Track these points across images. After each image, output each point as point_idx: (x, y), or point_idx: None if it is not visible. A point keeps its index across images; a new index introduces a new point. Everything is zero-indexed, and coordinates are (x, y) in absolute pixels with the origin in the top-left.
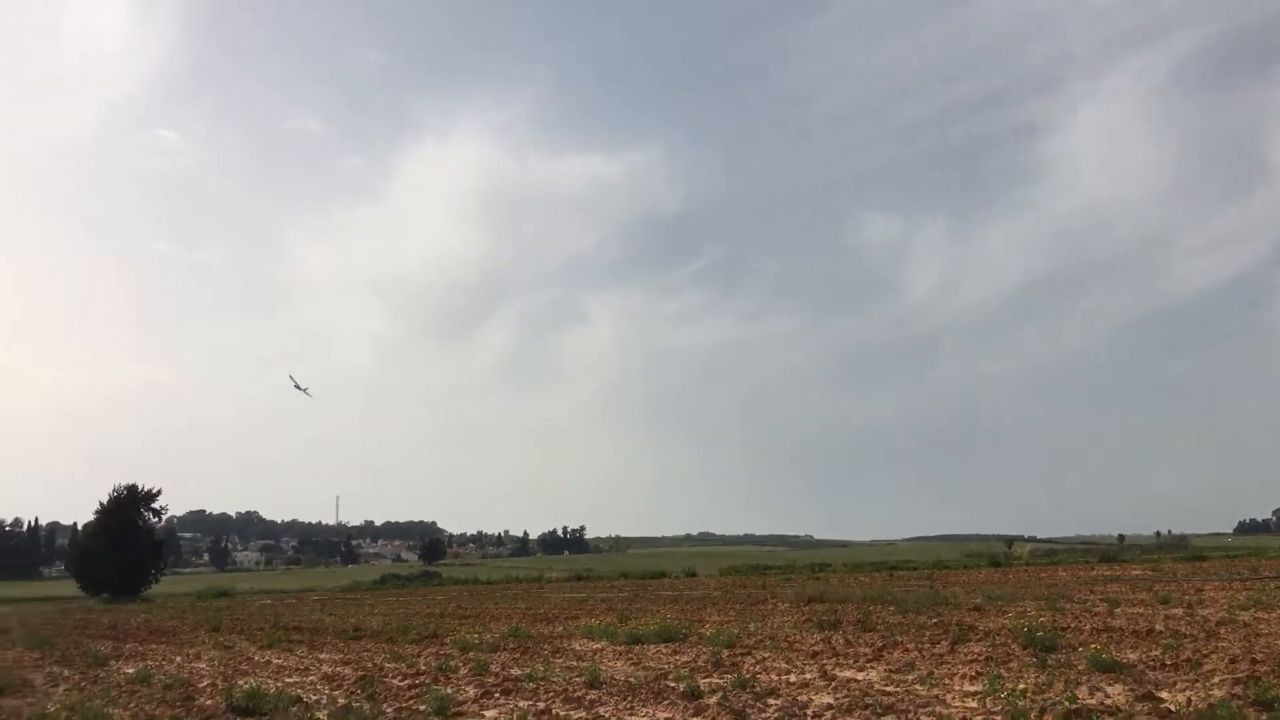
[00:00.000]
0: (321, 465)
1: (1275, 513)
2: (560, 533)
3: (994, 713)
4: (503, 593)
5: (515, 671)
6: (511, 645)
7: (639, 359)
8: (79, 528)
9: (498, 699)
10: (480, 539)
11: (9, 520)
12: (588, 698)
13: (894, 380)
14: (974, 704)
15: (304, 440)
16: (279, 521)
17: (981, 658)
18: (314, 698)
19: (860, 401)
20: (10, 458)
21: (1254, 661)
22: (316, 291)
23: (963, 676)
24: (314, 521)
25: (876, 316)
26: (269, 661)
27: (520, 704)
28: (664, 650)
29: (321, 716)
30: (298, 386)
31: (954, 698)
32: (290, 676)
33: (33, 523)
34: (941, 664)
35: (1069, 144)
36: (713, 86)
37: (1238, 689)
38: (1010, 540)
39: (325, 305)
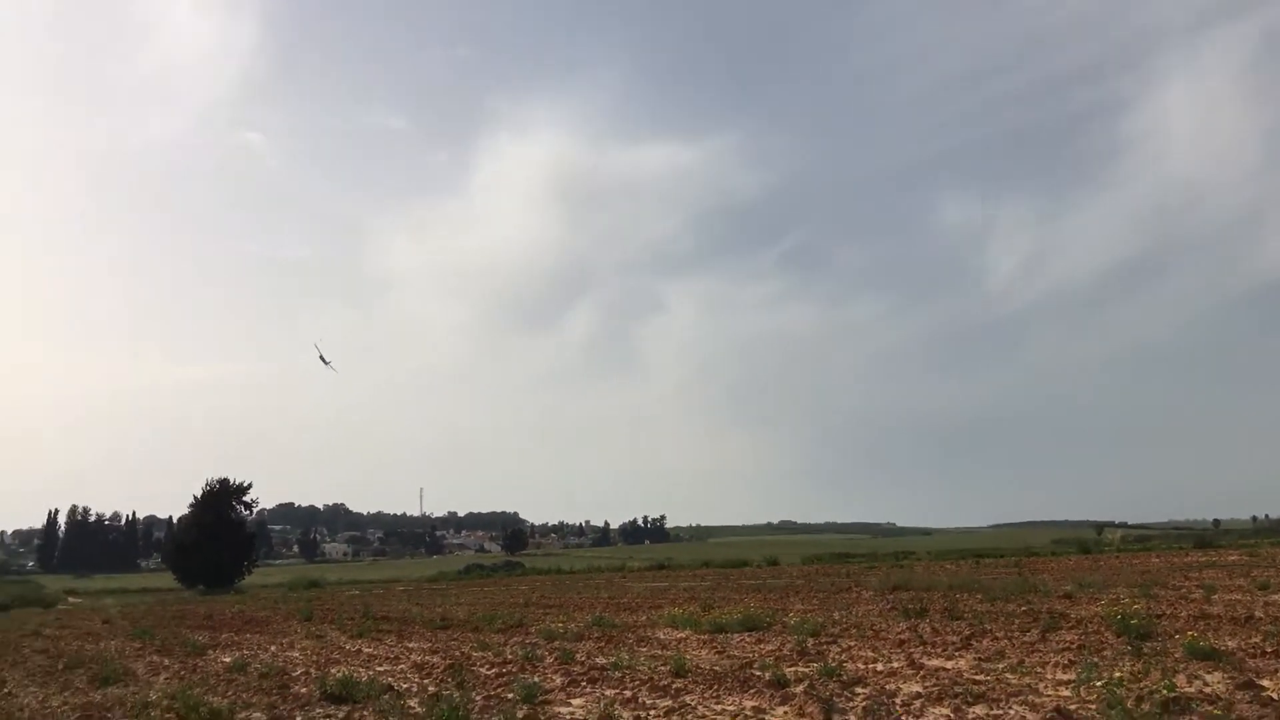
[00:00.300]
0: (406, 456)
1: None
2: (641, 522)
3: (1088, 701)
4: (585, 582)
5: (600, 660)
6: (596, 634)
7: (719, 346)
8: (174, 521)
9: (584, 687)
10: (562, 529)
11: (108, 515)
12: (674, 686)
13: (979, 365)
14: (1067, 692)
15: (388, 432)
16: (365, 513)
17: (1074, 646)
18: (404, 686)
19: (944, 387)
20: (109, 453)
21: None
22: (402, 285)
23: (1055, 665)
24: (399, 513)
25: (961, 300)
26: (360, 651)
27: (607, 692)
28: (748, 639)
29: (413, 704)
30: (323, 359)
31: (1046, 686)
32: (380, 665)
33: (130, 516)
34: (1032, 652)
35: (1158, 120)
36: (791, 69)
37: None
38: (1100, 526)
39: (411, 298)
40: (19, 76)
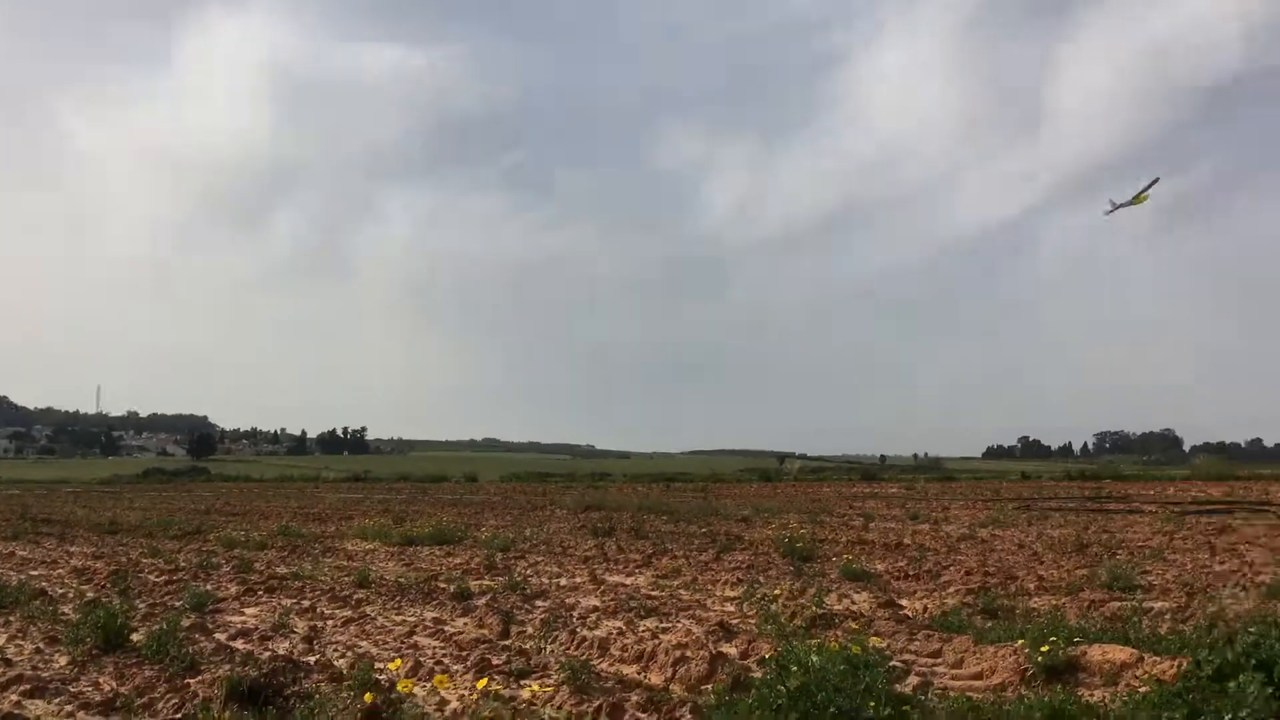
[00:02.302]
0: (82, 350)
1: (1019, 440)
2: (340, 433)
3: (749, 617)
4: (275, 491)
5: (282, 570)
6: (280, 544)
7: (434, 260)
8: None
9: (260, 597)
10: (255, 436)
11: None
12: (355, 597)
13: (687, 298)
14: (732, 608)
15: (63, 322)
16: (32, 408)
17: (744, 566)
18: (60, 591)
19: (653, 317)
20: None
21: (986, 574)
22: (91, 165)
23: (725, 583)
24: (71, 410)
25: (676, 234)
26: (13, 553)
27: (284, 601)
28: (438, 553)
29: (67, 610)
30: None
31: (715, 602)
32: (35, 569)
33: None
34: (706, 571)
35: (872, 77)
36: None
37: (969, 598)
38: (782, 456)
39: (101, 181)
40: None
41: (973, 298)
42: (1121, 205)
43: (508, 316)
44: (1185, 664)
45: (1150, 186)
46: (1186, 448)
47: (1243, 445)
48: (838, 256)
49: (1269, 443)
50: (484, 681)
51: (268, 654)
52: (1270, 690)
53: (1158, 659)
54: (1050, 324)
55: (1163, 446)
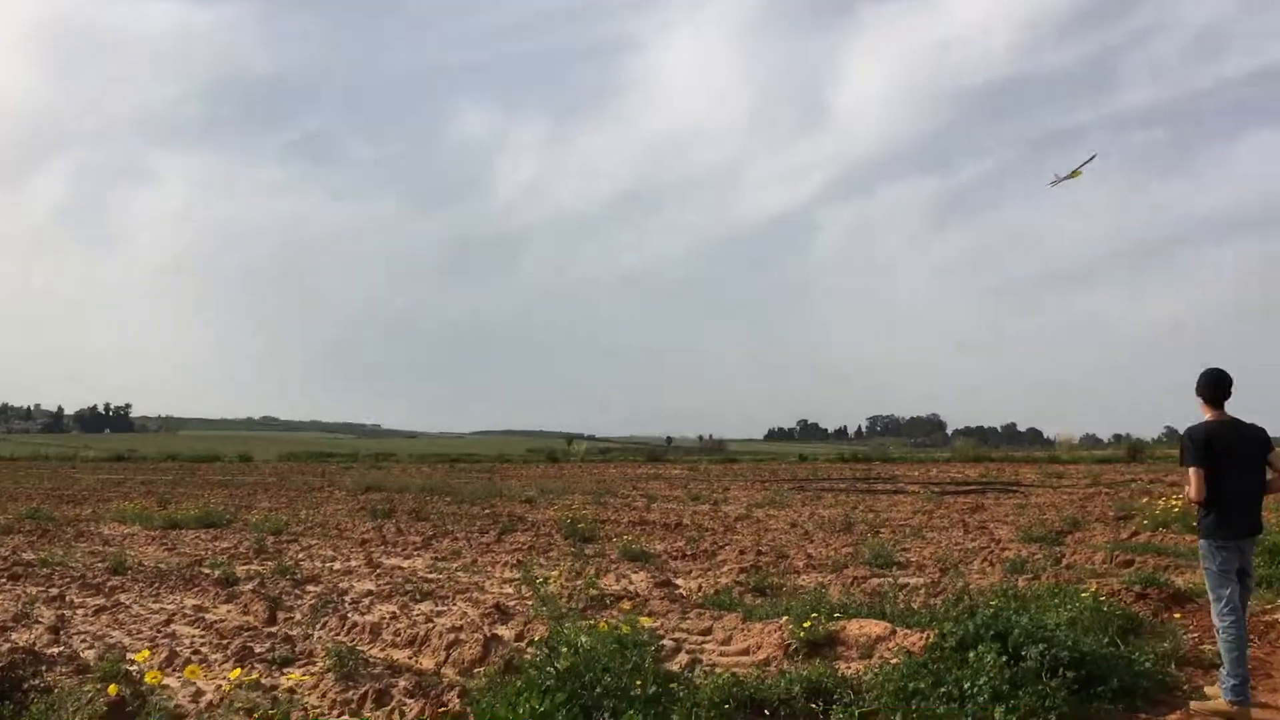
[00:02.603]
0: None
1: (798, 423)
2: (102, 410)
3: (526, 598)
4: (26, 471)
5: (29, 556)
6: (29, 528)
7: (213, 228)
8: None
9: (3, 584)
10: (4, 412)
11: None
12: (109, 584)
13: (479, 276)
14: (510, 590)
15: None
16: None
17: (525, 547)
18: None
19: (442, 294)
20: None
21: (759, 553)
22: None
23: (505, 565)
24: None
25: (468, 210)
26: None
27: (30, 590)
28: (204, 536)
29: None
30: None
31: (493, 584)
32: None
33: None
34: (487, 552)
35: (661, 63)
36: None
37: (741, 576)
38: (570, 438)
39: None
40: None
41: (756, 284)
42: (1062, 179)
43: (290, 290)
44: (932, 636)
45: (1087, 162)
46: (949, 431)
47: (998, 429)
48: (628, 238)
49: (1022, 427)
50: (236, 672)
51: (7, 646)
52: (1005, 659)
53: (909, 632)
54: (829, 312)
55: (928, 430)
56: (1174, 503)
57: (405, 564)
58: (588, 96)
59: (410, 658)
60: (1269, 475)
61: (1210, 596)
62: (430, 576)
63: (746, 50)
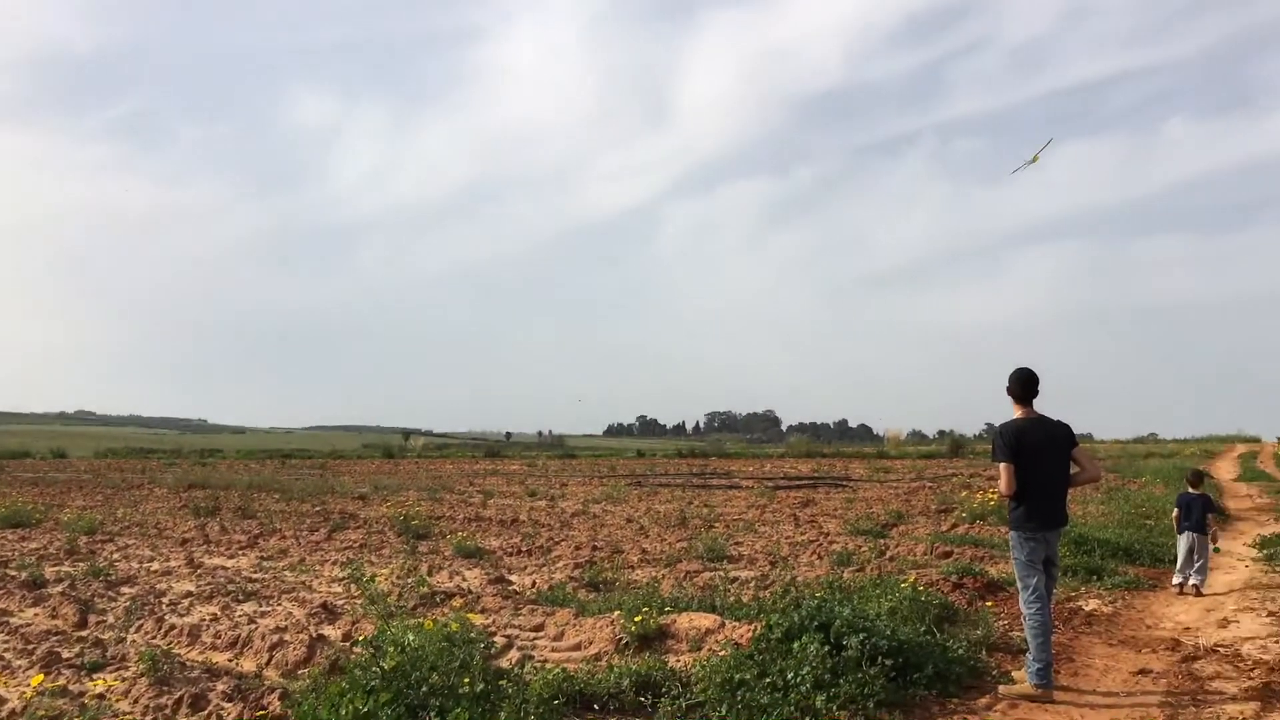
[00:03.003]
0: None
1: (638, 418)
2: None
3: (356, 597)
4: None
5: None
6: None
7: (25, 210)
8: None
9: None
10: None
11: None
12: None
13: (315, 266)
14: (339, 589)
15: None
16: None
17: (357, 545)
18: None
19: (273, 285)
20: None
21: (594, 549)
22: None
23: (334, 563)
24: None
25: (303, 199)
26: None
27: None
28: (11, 537)
29: None
30: None
31: (322, 583)
32: None
33: None
34: (316, 551)
35: (504, 55)
36: None
37: (576, 572)
38: (407, 433)
39: None
40: None
41: (599, 280)
42: (1022, 166)
43: (110, 277)
44: (760, 628)
45: (1044, 148)
46: (784, 427)
47: (831, 426)
48: (470, 231)
49: (853, 424)
50: (39, 678)
51: None
52: (828, 648)
53: (737, 624)
54: (670, 309)
55: (764, 426)
56: (990, 496)
57: (229, 564)
58: (429, 86)
59: (231, 660)
60: (1074, 470)
61: (1018, 585)
62: (255, 576)
63: (590, 46)
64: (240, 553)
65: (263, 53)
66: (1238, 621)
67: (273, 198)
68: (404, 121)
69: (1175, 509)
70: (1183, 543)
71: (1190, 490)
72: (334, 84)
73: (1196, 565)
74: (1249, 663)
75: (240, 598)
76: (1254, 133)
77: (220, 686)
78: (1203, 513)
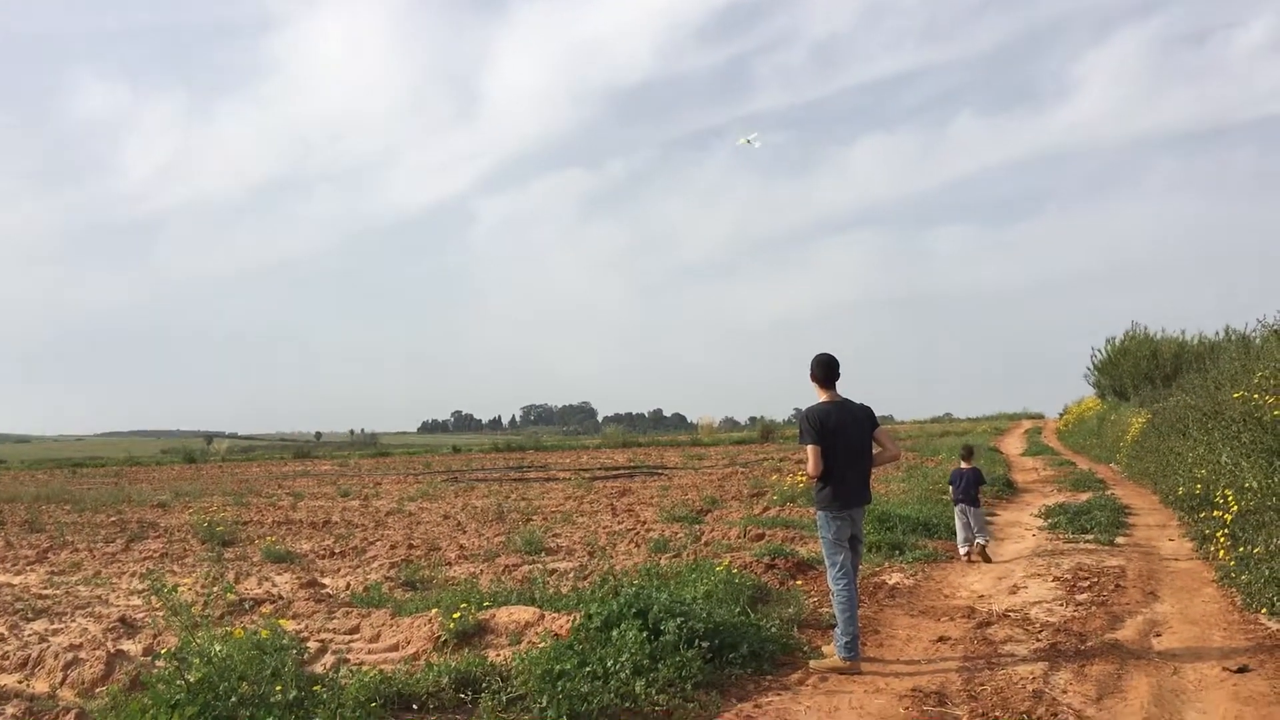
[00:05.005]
0: None
1: (453, 414)
2: None
3: (157, 609)
4: None
5: None
6: None
7: None
8: None
9: None
10: None
11: None
12: None
13: (105, 264)
14: (139, 601)
15: None
16: None
17: (157, 555)
18: None
19: (61, 283)
20: None
21: (410, 547)
22: None
23: (133, 574)
24: None
25: (89, 193)
26: None
27: None
28: None
29: None
30: None
31: (119, 596)
32: None
33: None
34: (113, 563)
35: (307, 45)
36: None
37: (392, 572)
38: (210, 436)
39: None
40: None
41: (411, 273)
42: (741, 143)
43: None
44: (579, 618)
45: (754, 138)
46: (600, 418)
47: (646, 415)
48: (275, 226)
49: (667, 413)
50: None
51: None
52: (646, 634)
53: (556, 615)
54: (483, 302)
55: (580, 418)
56: (799, 479)
57: (16, 580)
58: (227, 76)
59: (21, 682)
60: (876, 450)
61: (826, 563)
62: (45, 592)
63: (397, 36)
64: (29, 568)
65: (39, 37)
66: (1026, 587)
67: (57, 191)
68: (201, 113)
69: (950, 485)
70: (958, 516)
71: (962, 465)
72: (123, 71)
73: (977, 530)
74: (1037, 625)
75: (29, 615)
76: (1035, 127)
77: (10, 710)
78: (974, 485)
